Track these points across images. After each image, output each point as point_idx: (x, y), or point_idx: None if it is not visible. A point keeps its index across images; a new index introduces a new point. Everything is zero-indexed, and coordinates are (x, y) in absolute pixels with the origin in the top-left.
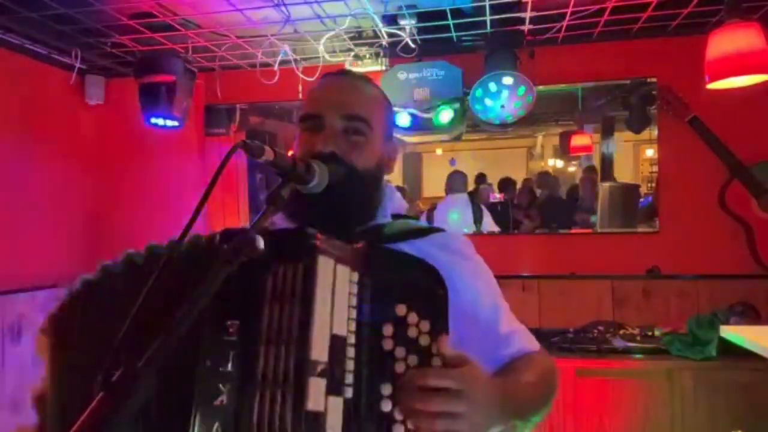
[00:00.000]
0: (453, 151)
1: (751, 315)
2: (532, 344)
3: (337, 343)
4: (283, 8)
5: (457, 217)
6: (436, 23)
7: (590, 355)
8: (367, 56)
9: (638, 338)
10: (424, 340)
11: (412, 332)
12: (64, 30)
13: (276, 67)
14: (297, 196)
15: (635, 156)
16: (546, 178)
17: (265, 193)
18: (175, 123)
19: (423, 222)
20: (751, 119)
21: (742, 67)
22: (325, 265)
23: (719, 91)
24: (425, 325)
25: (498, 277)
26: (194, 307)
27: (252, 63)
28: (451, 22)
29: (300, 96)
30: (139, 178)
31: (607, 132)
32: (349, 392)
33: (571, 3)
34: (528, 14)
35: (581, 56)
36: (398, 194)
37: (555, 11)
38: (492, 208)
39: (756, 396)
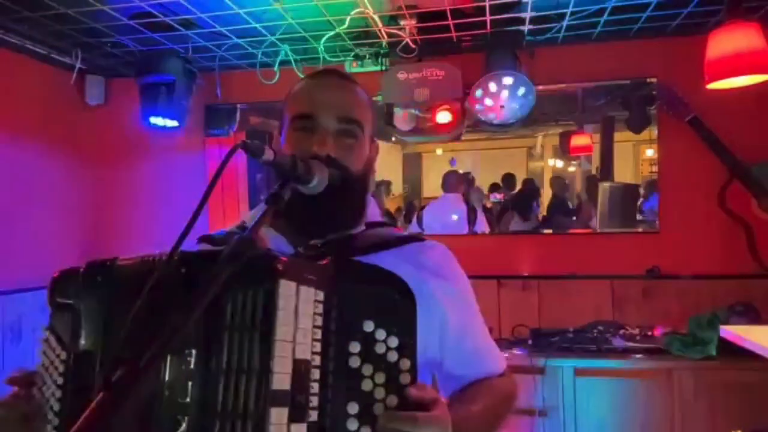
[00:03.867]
0: (453, 151)
1: (751, 315)
2: (497, 365)
3: (300, 368)
4: (282, 8)
5: (451, 217)
6: (436, 23)
7: (590, 355)
8: (367, 56)
9: (638, 338)
10: (391, 356)
11: (379, 348)
12: (64, 30)
13: (276, 67)
14: (296, 196)
15: (635, 156)
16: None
17: (265, 193)
18: (175, 123)
19: (397, 231)
20: (751, 119)
21: (742, 67)
22: (286, 288)
23: (719, 91)
24: (393, 341)
25: (498, 277)
26: (195, 309)
27: (252, 63)
28: (451, 22)
29: None
30: (139, 178)
31: (607, 132)
32: (313, 415)
33: (571, 3)
34: (528, 14)
35: (581, 56)
36: (373, 199)
37: (555, 11)
38: (491, 208)
39: (756, 396)
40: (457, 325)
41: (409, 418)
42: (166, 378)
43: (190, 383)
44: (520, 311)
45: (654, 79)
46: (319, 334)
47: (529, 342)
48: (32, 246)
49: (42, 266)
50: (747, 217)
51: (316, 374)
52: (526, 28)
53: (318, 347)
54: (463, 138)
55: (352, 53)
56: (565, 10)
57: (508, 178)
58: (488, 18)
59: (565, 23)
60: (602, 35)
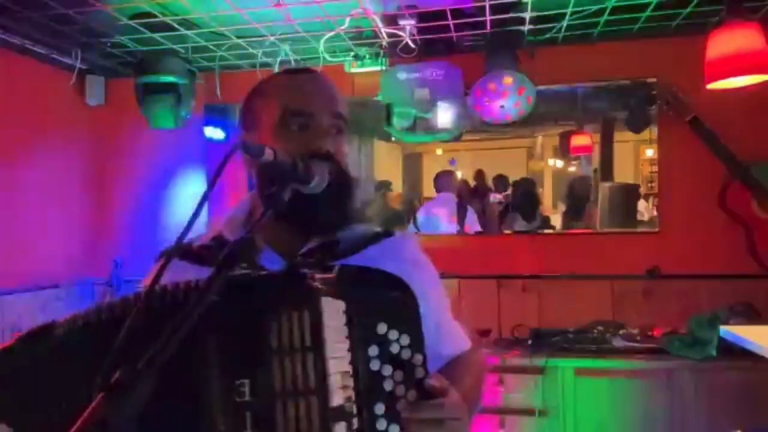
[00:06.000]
0: (453, 151)
1: (751, 315)
2: (466, 341)
3: (345, 380)
4: (282, 8)
5: (445, 217)
6: (436, 23)
7: (590, 355)
8: (367, 56)
9: (638, 338)
10: (405, 354)
11: (394, 348)
12: (64, 30)
13: (276, 68)
14: (296, 197)
15: (635, 156)
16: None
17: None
18: (175, 123)
19: (372, 227)
20: (751, 119)
21: (742, 67)
22: (328, 305)
23: (719, 91)
24: (405, 339)
25: (498, 277)
26: (194, 312)
27: (252, 63)
28: (451, 22)
29: None
30: (138, 178)
31: (607, 132)
32: (355, 423)
33: (571, 3)
34: (528, 14)
35: (581, 56)
36: None
37: (555, 11)
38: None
39: (756, 396)
40: (434, 309)
41: (433, 406)
42: (222, 415)
43: (248, 413)
44: (520, 311)
45: (654, 79)
46: (348, 344)
47: (529, 342)
48: (32, 246)
49: (42, 266)
50: (747, 217)
51: (351, 382)
52: (526, 28)
53: (350, 357)
54: (463, 138)
55: (352, 53)
56: (565, 10)
57: (501, 180)
58: (488, 18)
59: (565, 23)
60: (602, 35)
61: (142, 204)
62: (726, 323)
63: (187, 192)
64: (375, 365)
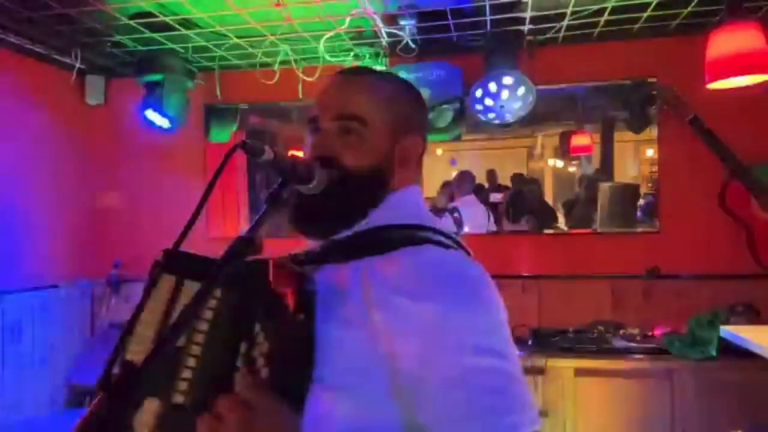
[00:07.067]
0: (453, 151)
1: (751, 315)
2: (499, 420)
3: (169, 350)
4: (282, 8)
5: (474, 218)
6: (436, 23)
7: (590, 355)
8: (367, 56)
9: (638, 338)
10: (260, 362)
11: (256, 351)
12: (64, 30)
13: (276, 67)
14: (295, 197)
15: (635, 156)
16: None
17: (265, 193)
18: (175, 123)
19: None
20: (751, 119)
21: (742, 67)
22: (164, 281)
23: (719, 91)
24: (264, 347)
25: (498, 277)
26: (193, 311)
27: (252, 63)
28: (451, 22)
29: (300, 96)
30: (138, 178)
31: (607, 132)
32: (178, 398)
33: (571, 3)
34: (528, 14)
35: (581, 56)
36: (411, 201)
37: (555, 11)
38: (493, 208)
39: (756, 396)
40: (421, 360)
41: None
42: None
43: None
44: (520, 311)
45: (654, 79)
46: (205, 326)
47: (529, 342)
48: (32, 246)
49: (42, 266)
50: (747, 217)
51: (191, 362)
52: (526, 28)
53: (200, 338)
54: (463, 138)
55: (352, 53)
56: (565, 10)
57: (516, 177)
58: (488, 18)
59: (565, 23)
60: (602, 35)
61: (141, 204)
62: (726, 323)
63: (187, 192)
64: (240, 361)
